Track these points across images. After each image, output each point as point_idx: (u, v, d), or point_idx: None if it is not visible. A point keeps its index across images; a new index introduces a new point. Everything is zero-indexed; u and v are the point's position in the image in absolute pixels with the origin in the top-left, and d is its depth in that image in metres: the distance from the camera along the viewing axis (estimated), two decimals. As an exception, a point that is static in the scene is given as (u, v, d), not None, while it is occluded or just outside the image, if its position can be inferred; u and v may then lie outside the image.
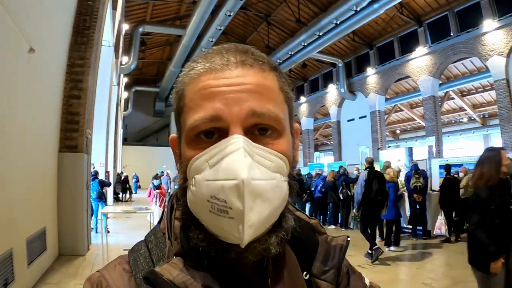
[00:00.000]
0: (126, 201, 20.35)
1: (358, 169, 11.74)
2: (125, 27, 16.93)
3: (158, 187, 10.82)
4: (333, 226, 11.25)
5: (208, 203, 0.51)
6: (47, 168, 5.93)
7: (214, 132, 0.54)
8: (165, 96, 33.69)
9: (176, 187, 0.67)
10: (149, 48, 27.66)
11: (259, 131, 0.55)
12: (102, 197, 9.99)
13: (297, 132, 0.65)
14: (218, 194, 0.50)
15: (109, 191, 15.43)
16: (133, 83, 32.14)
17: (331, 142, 28.14)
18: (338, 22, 16.10)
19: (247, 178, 0.49)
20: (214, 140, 0.53)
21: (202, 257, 0.55)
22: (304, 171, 15.65)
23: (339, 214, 11.27)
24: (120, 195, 20.28)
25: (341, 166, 12.33)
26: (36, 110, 5.04)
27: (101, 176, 11.86)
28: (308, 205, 12.95)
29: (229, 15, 16.38)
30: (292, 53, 19.78)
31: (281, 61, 20.70)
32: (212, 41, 18.92)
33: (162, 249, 0.60)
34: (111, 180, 16.02)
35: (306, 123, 27.73)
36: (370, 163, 7.67)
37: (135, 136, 36.07)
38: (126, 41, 19.72)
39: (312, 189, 12.56)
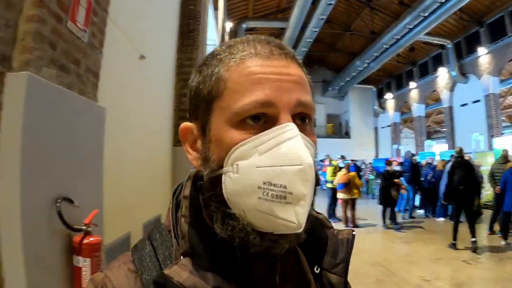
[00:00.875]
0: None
1: (470, 158, 10.78)
2: (229, 25, 17.64)
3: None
4: (442, 218, 10.42)
5: (259, 189, 0.50)
6: (163, 161, 6.57)
7: (261, 118, 0.53)
8: (275, 88, 34.39)
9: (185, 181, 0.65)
10: (254, 43, 28.36)
11: (300, 120, 0.57)
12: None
13: None
14: (276, 180, 0.49)
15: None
16: (241, 78, 33.28)
17: (444, 129, 25.90)
18: (443, 0, 14.76)
19: (312, 163, 0.51)
20: (260, 126, 0.53)
21: (213, 256, 0.55)
22: (415, 160, 14.83)
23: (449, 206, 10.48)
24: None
25: (452, 155, 11.47)
26: (152, 109, 5.63)
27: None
28: (418, 197, 12.23)
29: (330, 4, 16.04)
30: (398, 37, 18.67)
31: (387, 46, 19.68)
32: (315, 31, 18.72)
33: (168, 248, 0.59)
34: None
35: (417, 109, 25.87)
36: (458, 153, 7.48)
37: (248, 128, 37.32)
38: (232, 38, 20.46)
39: (422, 179, 11.87)
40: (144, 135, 5.14)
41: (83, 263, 1.76)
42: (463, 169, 7.02)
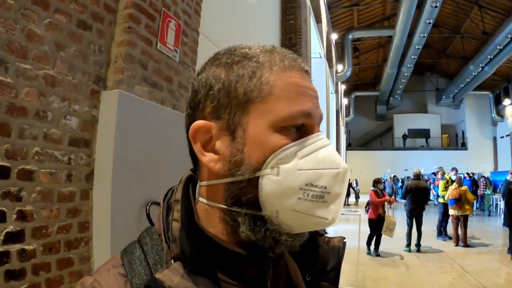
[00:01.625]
0: (348, 204, 20.31)
1: None
2: (334, 36, 17.49)
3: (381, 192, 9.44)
4: None
5: (300, 190, 0.52)
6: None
7: (301, 126, 0.56)
8: (385, 99, 33.13)
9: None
10: (362, 53, 27.74)
11: None
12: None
13: None
14: (317, 181, 0.53)
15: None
16: (352, 89, 32.69)
17: None
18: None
19: (347, 167, 0.56)
20: (297, 133, 0.55)
21: (204, 260, 0.55)
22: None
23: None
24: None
25: None
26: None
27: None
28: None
29: (436, 6, 15.27)
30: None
31: (501, 47, 17.95)
32: (424, 36, 17.94)
33: (158, 252, 0.58)
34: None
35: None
36: None
37: (359, 141, 36.23)
38: (339, 49, 20.30)
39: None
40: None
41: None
42: None
